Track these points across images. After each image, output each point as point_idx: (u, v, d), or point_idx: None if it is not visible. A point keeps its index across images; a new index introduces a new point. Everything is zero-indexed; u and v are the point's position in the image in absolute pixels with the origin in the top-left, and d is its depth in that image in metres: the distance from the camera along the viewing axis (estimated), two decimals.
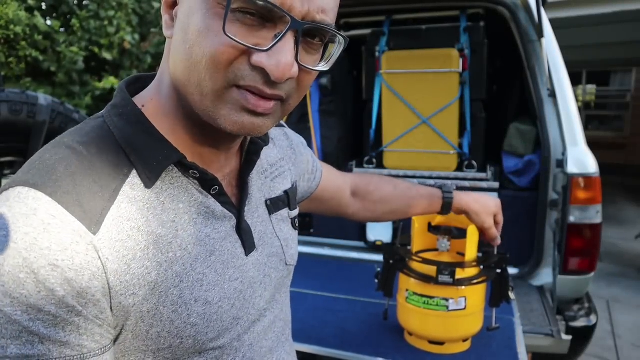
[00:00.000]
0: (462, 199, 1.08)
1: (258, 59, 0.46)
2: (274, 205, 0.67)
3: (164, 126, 0.54)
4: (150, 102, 0.55)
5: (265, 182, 0.67)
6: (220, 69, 0.46)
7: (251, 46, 0.46)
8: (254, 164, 0.62)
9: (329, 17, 0.49)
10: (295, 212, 0.74)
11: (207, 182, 0.55)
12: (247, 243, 0.60)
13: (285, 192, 0.71)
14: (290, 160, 0.76)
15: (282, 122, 0.79)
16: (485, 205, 1.11)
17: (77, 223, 0.44)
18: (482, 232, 1.14)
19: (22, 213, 0.43)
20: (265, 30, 0.47)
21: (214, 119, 0.49)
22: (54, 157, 0.47)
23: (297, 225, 0.74)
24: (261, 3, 0.44)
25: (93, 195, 0.46)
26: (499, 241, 1.15)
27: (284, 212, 0.70)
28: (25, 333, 0.41)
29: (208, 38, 0.46)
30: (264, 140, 0.65)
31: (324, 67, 0.52)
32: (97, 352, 0.45)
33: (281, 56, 0.46)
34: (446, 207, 1.06)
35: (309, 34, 0.49)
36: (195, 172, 0.53)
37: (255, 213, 0.63)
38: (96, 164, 0.48)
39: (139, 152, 0.51)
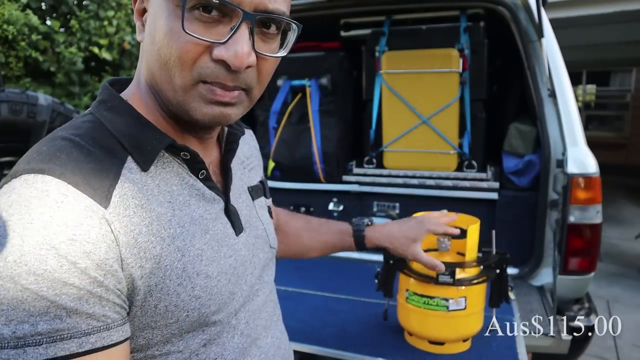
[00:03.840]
0: (375, 233, 1.04)
1: (218, 52, 0.50)
2: (254, 192, 0.73)
3: (150, 118, 0.58)
4: (133, 97, 0.59)
5: (244, 172, 0.73)
6: (187, 66, 0.51)
7: (211, 40, 0.50)
8: (234, 151, 0.67)
9: (282, 6, 0.53)
10: (270, 201, 0.81)
11: (196, 166, 0.59)
12: (236, 224, 0.64)
13: (261, 182, 0.78)
14: (257, 159, 0.83)
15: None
16: (405, 234, 1.04)
17: (88, 199, 0.46)
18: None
19: (33, 196, 0.45)
20: (222, 25, 0.51)
21: (187, 111, 0.54)
22: (52, 148, 0.50)
23: (272, 214, 0.81)
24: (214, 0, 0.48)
25: (98, 176, 0.49)
26: (441, 267, 1.08)
27: (262, 200, 0.76)
28: (53, 307, 0.42)
29: (172, 39, 0.50)
30: (240, 130, 0.70)
31: (282, 53, 0.56)
32: (119, 322, 0.47)
33: (238, 46, 0.50)
34: (358, 242, 1.04)
35: (263, 23, 0.53)
36: (186, 153, 0.57)
37: (239, 198, 0.68)
38: (94, 151, 0.51)
39: (132, 138, 0.55)
